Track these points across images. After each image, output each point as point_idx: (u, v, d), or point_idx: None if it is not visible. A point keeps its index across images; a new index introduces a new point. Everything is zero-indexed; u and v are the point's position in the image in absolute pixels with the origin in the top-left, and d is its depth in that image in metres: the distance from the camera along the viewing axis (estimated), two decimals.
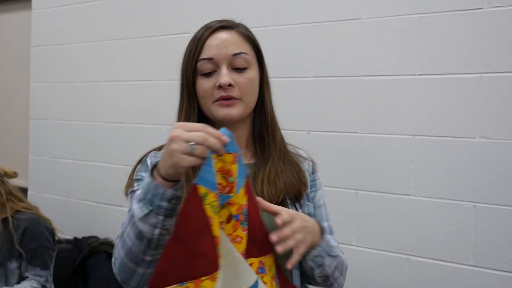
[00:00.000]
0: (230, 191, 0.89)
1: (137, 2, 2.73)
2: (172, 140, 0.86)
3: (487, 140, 1.79)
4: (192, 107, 1.13)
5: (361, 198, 2.04)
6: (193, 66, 1.11)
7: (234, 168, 0.89)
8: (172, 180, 0.89)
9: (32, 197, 3.17)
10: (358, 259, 2.02)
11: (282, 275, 1.01)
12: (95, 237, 2.77)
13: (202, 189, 0.85)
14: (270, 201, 1.05)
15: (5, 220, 2.11)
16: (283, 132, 1.20)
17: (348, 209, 2.06)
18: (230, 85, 1.08)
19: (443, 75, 1.87)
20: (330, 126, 2.10)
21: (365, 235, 2.03)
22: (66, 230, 2.90)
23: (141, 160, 1.15)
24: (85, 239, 2.76)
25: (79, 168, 2.97)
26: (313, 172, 1.23)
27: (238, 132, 1.14)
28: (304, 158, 1.23)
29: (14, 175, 2.22)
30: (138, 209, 0.90)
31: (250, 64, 1.12)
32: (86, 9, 2.94)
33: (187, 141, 0.85)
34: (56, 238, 2.26)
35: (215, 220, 0.87)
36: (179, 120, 1.15)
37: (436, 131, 1.88)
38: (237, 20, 1.18)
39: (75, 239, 2.77)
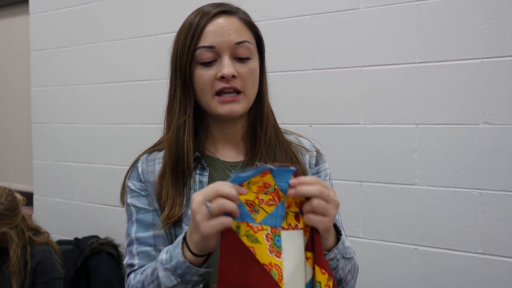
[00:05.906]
0: (279, 199, 0.85)
1: (133, 2, 2.72)
2: (195, 211, 0.83)
3: (491, 126, 1.77)
4: (188, 99, 1.05)
5: (366, 190, 2.03)
6: (190, 54, 1.03)
7: (268, 179, 0.85)
8: (203, 254, 0.87)
9: (38, 202, 3.18)
10: (365, 251, 2.01)
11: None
12: (96, 237, 2.76)
13: (233, 223, 0.83)
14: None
15: (22, 248, 2.17)
16: (285, 126, 1.15)
17: (354, 201, 2.05)
18: (233, 76, 1.01)
19: (443, 62, 1.84)
20: (332, 118, 2.09)
21: (372, 226, 2.01)
22: (73, 233, 2.90)
23: (133, 165, 1.10)
24: (85, 239, 2.75)
25: (83, 170, 2.97)
26: (317, 163, 1.13)
27: (235, 128, 1.09)
28: (306, 149, 1.13)
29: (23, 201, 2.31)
30: (166, 278, 0.89)
31: (252, 54, 1.05)
32: (83, 11, 2.93)
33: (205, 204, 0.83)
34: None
35: (258, 248, 0.84)
36: (170, 112, 1.07)
37: (439, 119, 1.86)
38: (235, 4, 1.10)
39: (76, 239, 2.77)
